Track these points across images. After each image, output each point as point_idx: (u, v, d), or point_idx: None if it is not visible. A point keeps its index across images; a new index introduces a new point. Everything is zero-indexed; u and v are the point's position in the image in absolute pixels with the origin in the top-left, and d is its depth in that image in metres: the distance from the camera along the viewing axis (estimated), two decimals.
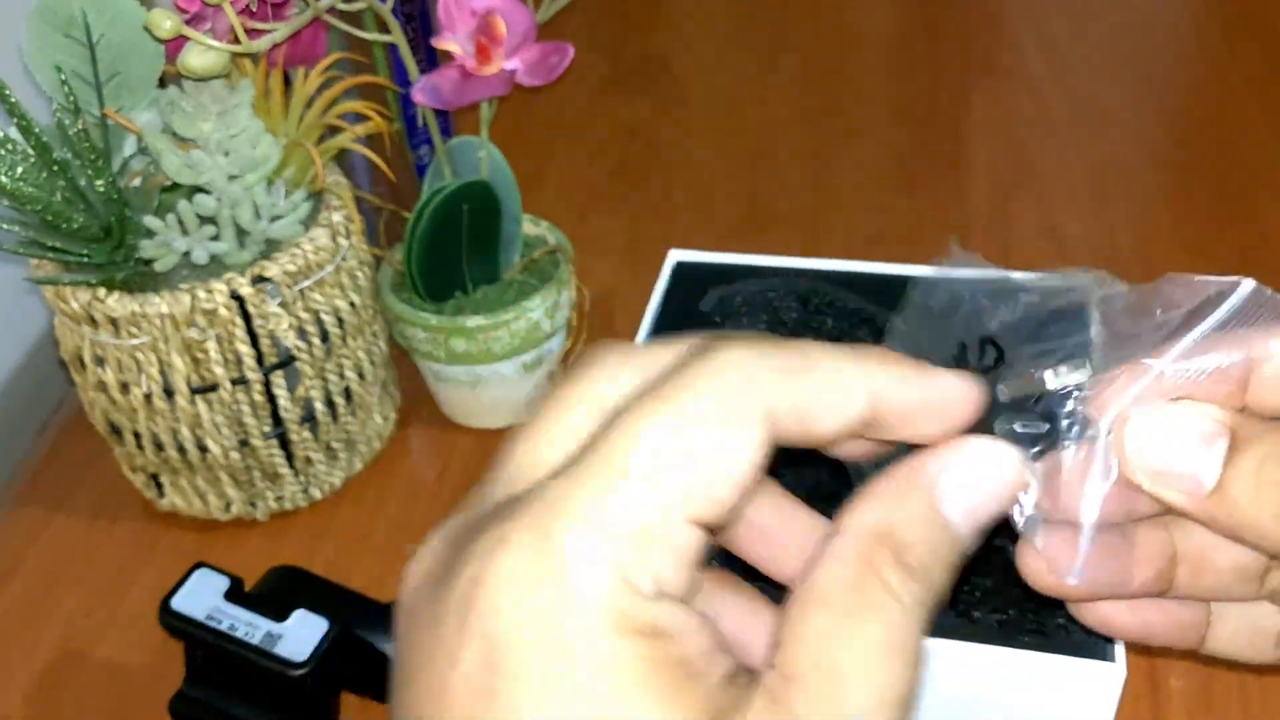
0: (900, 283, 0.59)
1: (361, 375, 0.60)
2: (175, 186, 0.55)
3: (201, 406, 0.55)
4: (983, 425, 0.27)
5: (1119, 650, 0.42)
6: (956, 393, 0.27)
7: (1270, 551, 0.27)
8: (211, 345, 0.54)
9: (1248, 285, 0.28)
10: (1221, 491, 0.27)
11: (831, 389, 0.25)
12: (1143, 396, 0.27)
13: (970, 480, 0.26)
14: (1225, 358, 0.28)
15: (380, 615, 0.50)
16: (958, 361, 0.29)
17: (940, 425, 0.27)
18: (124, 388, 0.55)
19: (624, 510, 0.23)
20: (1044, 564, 0.29)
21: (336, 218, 0.57)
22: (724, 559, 0.30)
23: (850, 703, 0.23)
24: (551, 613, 0.22)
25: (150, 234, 0.54)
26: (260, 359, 0.55)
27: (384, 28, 0.56)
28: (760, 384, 0.24)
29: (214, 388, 0.55)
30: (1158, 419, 0.27)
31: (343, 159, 0.64)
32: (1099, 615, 0.31)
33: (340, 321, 0.58)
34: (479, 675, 0.23)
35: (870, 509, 0.25)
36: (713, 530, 0.24)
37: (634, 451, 0.23)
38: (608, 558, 0.23)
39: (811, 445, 0.26)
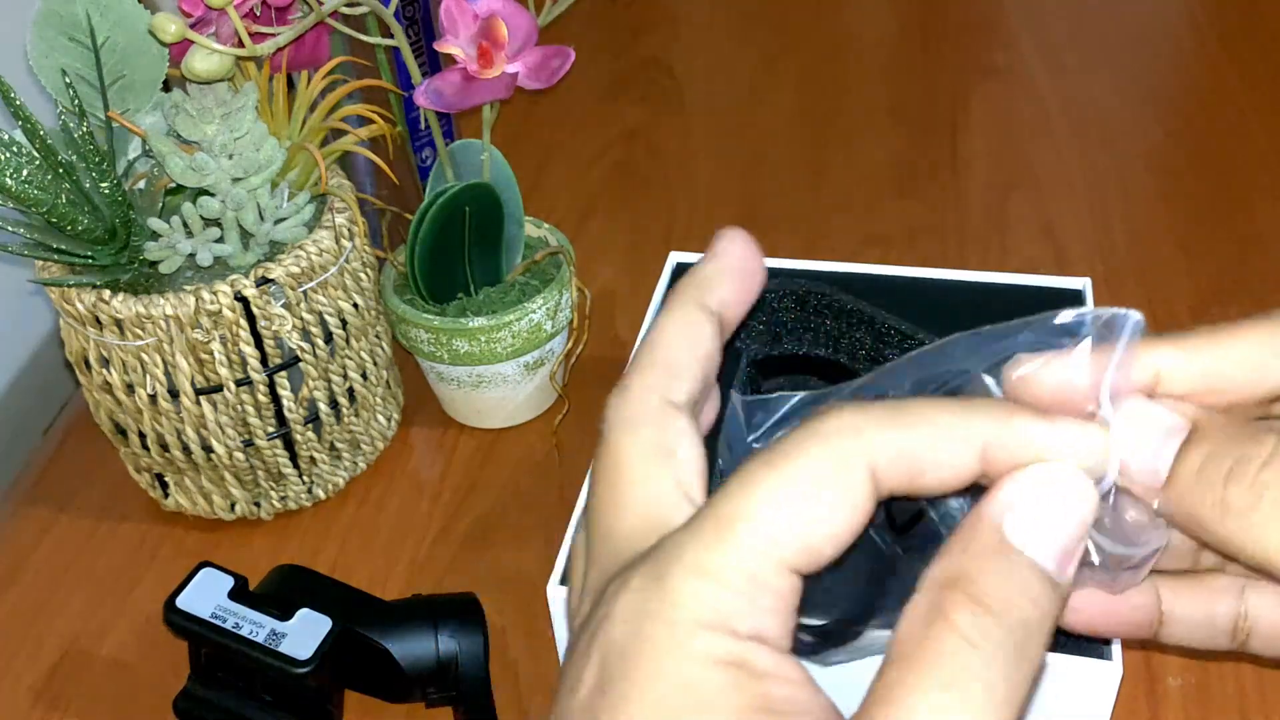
0: (898, 284, 0.60)
1: (365, 376, 0.60)
2: (180, 189, 0.56)
3: (206, 407, 0.55)
4: None
5: (1115, 648, 0.43)
6: (1076, 442, 0.26)
7: (1209, 544, 0.28)
8: (216, 346, 0.54)
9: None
10: (1169, 484, 0.27)
11: (940, 442, 0.26)
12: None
13: (1038, 505, 0.25)
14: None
15: (383, 614, 0.50)
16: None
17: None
18: (129, 388, 0.55)
19: (730, 558, 0.25)
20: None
21: (340, 220, 0.57)
22: None
23: None
24: (654, 642, 0.25)
25: (155, 236, 0.54)
26: (264, 360, 0.56)
27: (387, 31, 0.57)
28: (866, 440, 0.25)
29: (218, 388, 0.55)
30: (1128, 416, 0.28)
31: (346, 162, 0.65)
32: None
33: (344, 323, 0.58)
34: (591, 695, 0.25)
35: (943, 558, 0.25)
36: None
37: (743, 507, 0.25)
38: (711, 598, 0.25)
39: (929, 494, 0.26)
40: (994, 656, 0.23)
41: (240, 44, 0.50)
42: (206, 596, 0.48)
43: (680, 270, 0.62)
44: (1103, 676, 0.42)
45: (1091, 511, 0.26)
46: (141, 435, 0.57)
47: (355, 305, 0.58)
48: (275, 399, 0.57)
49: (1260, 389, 0.28)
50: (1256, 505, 0.26)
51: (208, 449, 0.57)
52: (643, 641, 0.25)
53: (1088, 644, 0.43)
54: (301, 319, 0.56)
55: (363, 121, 0.60)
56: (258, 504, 0.60)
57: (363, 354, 0.60)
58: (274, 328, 0.55)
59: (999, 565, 0.25)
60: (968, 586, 0.24)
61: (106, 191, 0.52)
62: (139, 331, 0.53)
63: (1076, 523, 0.26)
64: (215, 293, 0.53)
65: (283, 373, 0.56)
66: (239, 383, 0.55)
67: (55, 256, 0.52)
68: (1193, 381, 0.28)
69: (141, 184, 0.56)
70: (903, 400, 0.26)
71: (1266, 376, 0.28)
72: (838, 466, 0.25)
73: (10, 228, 0.51)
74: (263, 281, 0.54)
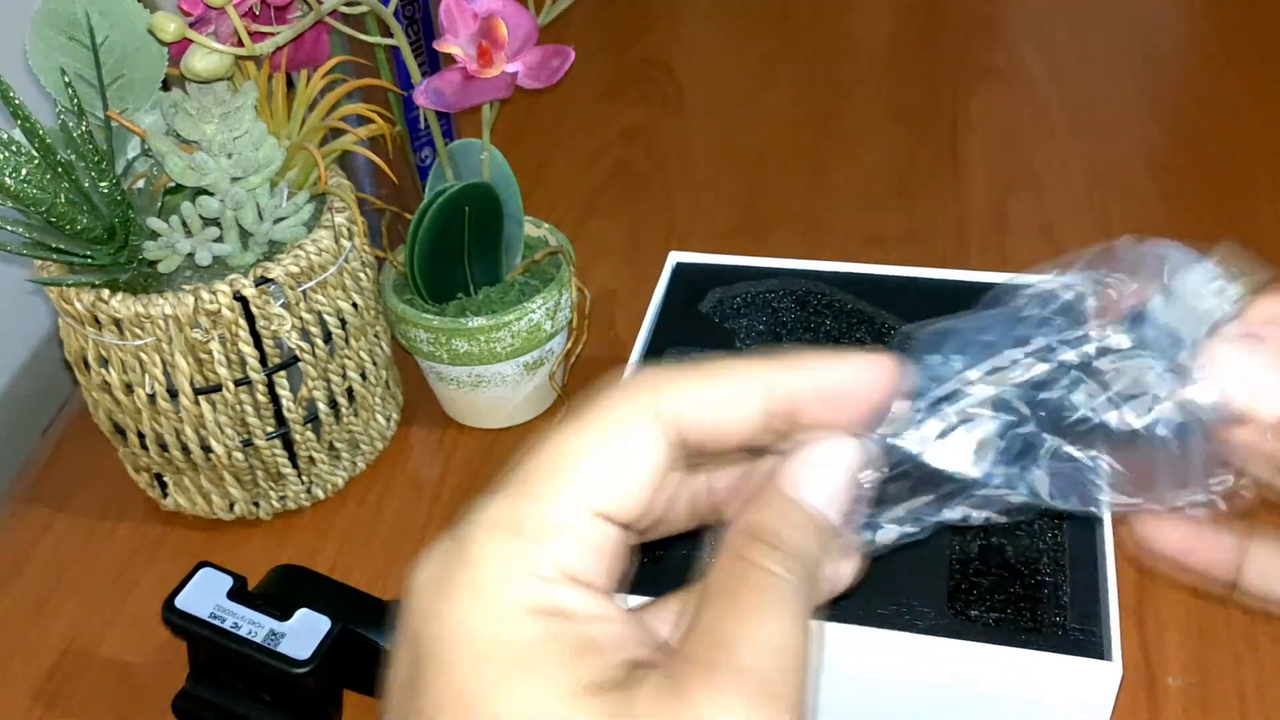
0: (898, 284, 0.60)
1: (364, 375, 0.60)
2: (179, 188, 0.56)
3: (205, 407, 0.55)
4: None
5: (1115, 649, 0.43)
6: (861, 372, 0.28)
7: None
8: (215, 346, 0.54)
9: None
10: None
11: (725, 382, 0.27)
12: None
13: (811, 462, 0.28)
14: None
15: (383, 614, 0.50)
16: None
17: (852, 406, 0.28)
18: (128, 388, 0.55)
19: (529, 509, 0.25)
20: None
21: (339, 219, 0.57)
22: None
23: (739, 664, 0.24)
24: (458, 604, 0.25)
25: (154, 235, 0.54)
26: (263, 359, 0.55)
27: (386, 31, 0.57)
28: (651, 388, 0.27)
29: (217, 388, 0.55)
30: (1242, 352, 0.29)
31: (345, 161, 0.65)
32: (1147, 530, 0.32)
33: (343, 322, 0.58)
34: (407, 674, 0.25)
35: (743, 514, 0.28)
36: (630, 526, 0.26)
37: (539, 460, 0.26)
38: (511, 552, 0.25)
39: (727, 444, 0.28)
40: (799, 587, 0.26)
41: (239, 43, 0.50)
42: (205, 596, 0.48)
43: (680, 270, 0.62)
44: (1103, 676, 0.42)
45: (854, 464, 0.28)
46: (140, 435, 0.57)
47: (354, 305, 0.58)
48: (274, 399, 0.57)
49: None
50: None
51: (207, 449, 0.57)
52: (449, 607, 0.25)
53: (1088, 644, 0.43)
54: (300, 319, 0.56)
55: (362, 121, 0.60)
56: (257, 504, 0.60)
57: (362, 354, 0.60)
58: (273, 327, 0.55)
59: (788, 516, 0.27)
60: (766, 535, 0.27)
61: (105, 191, 0.51)
62: (138, 331, 0.53)
63: (841, 472, 0.28)
64: (214, 292, 0.53)
65: (282, 372, 0.56)
66: (238, 382, 0.55)
67: (54, 256, 0.52)
68: None
69: (140, 183, 0.56)
70: (705, 361, 0.28)
71: None
72: (625, 413, 0.26)
73: (9, 227, 0.51)
74: (262, 281, 0.54)
